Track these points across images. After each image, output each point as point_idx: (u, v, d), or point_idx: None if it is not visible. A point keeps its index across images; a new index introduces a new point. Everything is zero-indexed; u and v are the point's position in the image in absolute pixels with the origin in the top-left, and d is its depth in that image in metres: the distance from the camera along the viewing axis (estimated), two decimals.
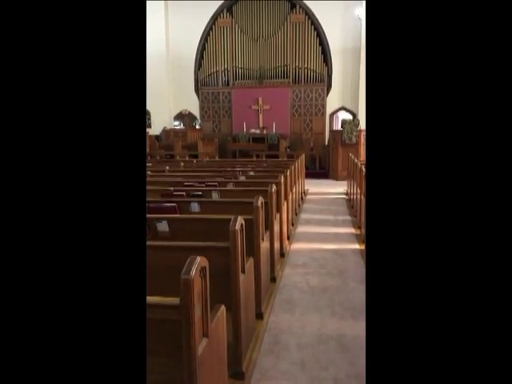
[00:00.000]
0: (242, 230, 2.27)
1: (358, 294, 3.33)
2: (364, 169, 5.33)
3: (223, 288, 2.21)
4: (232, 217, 2.31)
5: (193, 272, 1.43)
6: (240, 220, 2.25)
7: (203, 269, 1.52)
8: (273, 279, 3.59)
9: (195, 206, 3.68)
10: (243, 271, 2.29)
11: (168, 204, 3.62)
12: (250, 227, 2.82)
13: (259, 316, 2.88)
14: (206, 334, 1.57)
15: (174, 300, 1.45)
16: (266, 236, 3.28)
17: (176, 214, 3.62)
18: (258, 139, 11.67)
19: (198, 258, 1.49)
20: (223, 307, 1.82)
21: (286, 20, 11.99)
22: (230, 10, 12.24)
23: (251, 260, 2.56)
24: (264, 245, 3.05)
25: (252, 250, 2.74)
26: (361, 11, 10.25)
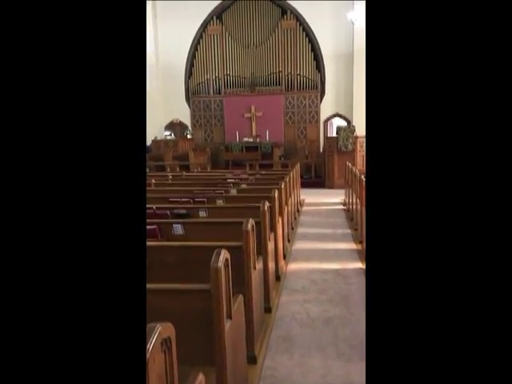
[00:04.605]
0: (226, 265, 1.86)
1: (364, 326, 2.91)
2: (364, 179, 4.95)
3: (204, 339, 1.79)
4: (215, 249, 1.90)
5: (151, 345, 1.01)
6: (224, 254, 1.83)
7: (166, 340, 1.11)
8: (267, 309, 3.16)
9: (178, 229, 3.27)
10: (229, 317, 1.87)
11: (147, 226, 3.20)
12: (239, 255, 2.41)
13: (252, 360, 2.45)
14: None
15: None
16: (259, 261, 2.87)
17: (156, 238, 3.20)
18: (252, 148, 11.29)
19: (158, 327, 1.07)
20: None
21: (277, 26, 11.71)
22: (219, 18, 11.95)
23: (240, 299, 2.13)
24: (256, 274, 2.63)
25: (241, 284, 2.32)
26: (353, 15, 9.96)
